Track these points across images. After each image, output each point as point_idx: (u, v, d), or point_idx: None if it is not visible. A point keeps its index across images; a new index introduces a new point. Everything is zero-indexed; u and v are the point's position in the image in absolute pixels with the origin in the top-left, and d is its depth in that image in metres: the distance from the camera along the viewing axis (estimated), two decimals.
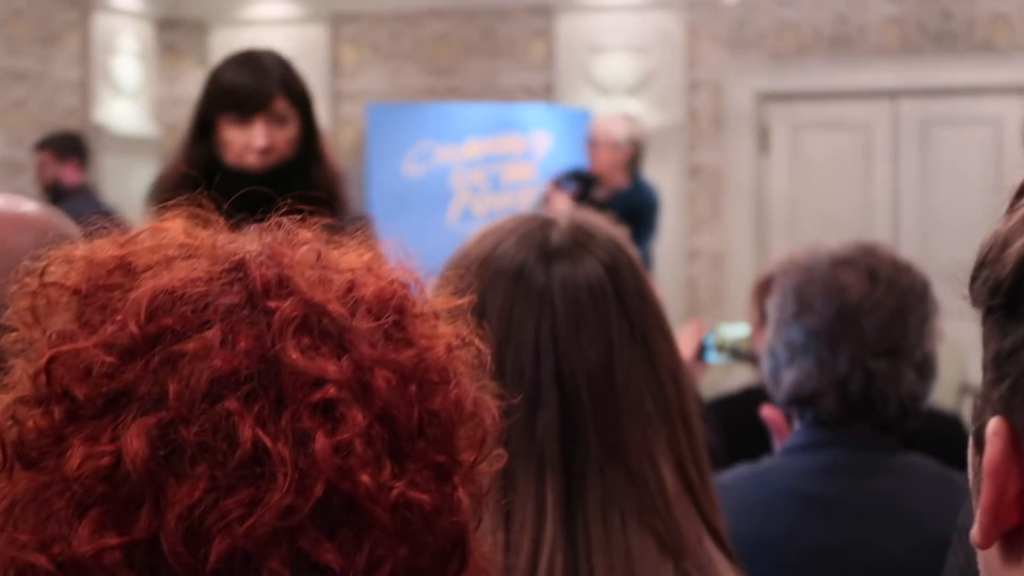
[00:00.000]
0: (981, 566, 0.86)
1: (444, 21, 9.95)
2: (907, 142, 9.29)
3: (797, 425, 2.50)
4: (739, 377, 5.83)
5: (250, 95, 3.42)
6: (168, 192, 3.17)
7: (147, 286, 0.88)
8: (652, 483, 1.54)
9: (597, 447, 1.53)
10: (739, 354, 3.49)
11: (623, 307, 1.59)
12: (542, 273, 1.58)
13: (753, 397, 3.49)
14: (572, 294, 1.57)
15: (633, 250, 1.66)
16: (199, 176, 3.20)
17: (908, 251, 8.96)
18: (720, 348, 3.48)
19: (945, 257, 8.97)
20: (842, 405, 2.41)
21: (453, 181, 9.13)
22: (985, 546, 0.82)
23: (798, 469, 2.44)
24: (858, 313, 2.40)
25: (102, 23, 9.78)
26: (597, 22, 9.68)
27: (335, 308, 0.89)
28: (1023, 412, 0.81)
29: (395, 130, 9.19)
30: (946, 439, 3.00)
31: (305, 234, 0.94)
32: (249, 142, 3.38)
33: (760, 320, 3.16)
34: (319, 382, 0.86)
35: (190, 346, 0.86)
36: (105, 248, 0.92)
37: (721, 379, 7.02)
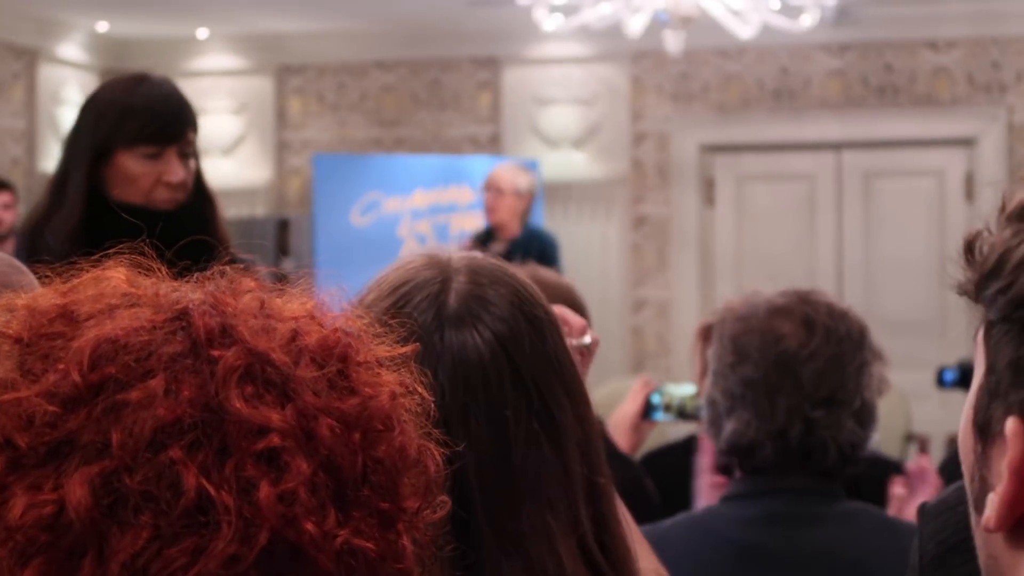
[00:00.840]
0: (982, 550, 0.94)
1: (390, 73, 9.98)
2: (850, 193, 9.37)
3: (737, 473, 2.49)
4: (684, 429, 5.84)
5: (167, 124, 3.07)
6: (68, 240, 2.90)
7: (90, 335, 0.88)
8: (552, 572, 1.44)
9: (491, 540, 1.43)
10: (686, 413, 3.50)
11: (519, 380, 1.47)
12: (433, 352, 1.46)
13: (695, 446, 3.51)
14: (462, 374, 1.45)
15: (538, 297, 1.55)
16: (88, 217, 2.99)
17: (851, 300, 8.98)
18: (667, 407, 3.48)
19: (889, 307, 9.04)
20: (781, 455, 2.40)
21: (401, 231, 9.15)
22: (998, 530, 0.90)
23: (737, 518, 2.43)
24: (795, 362, 2.39)
25: (47, 74, 9.76)
26: (543, 74, 9.73)
27: (279, 357, 0.89)
28: None
29: (342, 181, 9.20)
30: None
31: (248, 282, 0.93)
32: (162, 176, 3.02)
33: (703, 368, 3.17)
34: (263, 431, 0.86)
35: (133, 395, 0.86)
36: (47, 297, 0.92)
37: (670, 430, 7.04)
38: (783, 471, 2.42)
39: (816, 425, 2.39)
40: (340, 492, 0.87)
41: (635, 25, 7.36)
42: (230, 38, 10.11)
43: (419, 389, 0.96)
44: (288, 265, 9.69)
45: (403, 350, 0.98)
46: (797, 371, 2.39)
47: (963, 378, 4.12)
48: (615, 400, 7.84)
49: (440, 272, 1.52)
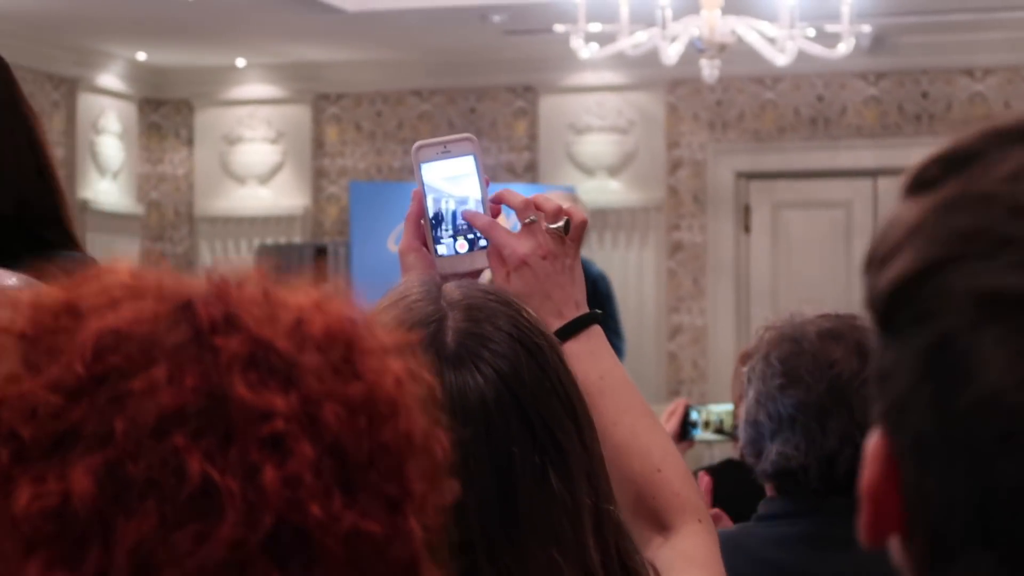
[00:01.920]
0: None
1: (426, 101, 10.02)
2: None
3: (772, 492, 2.47)
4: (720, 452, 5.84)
5: None
6: None
7: (93, 326, 0.88)
8: None
9: None
10: (724, 431, 3.48)
11: (524, 416, 1.44)
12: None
13: (733, 470, 3.49)
14: (462, 416, 1.40)
15: (535, 323, 1.51)
16: None
17: None
18: (706, 424, 3.47)
19: None
20: (825, 480, 2.38)
21: None
22: (872, 546, 0.83)
23: (772, 538, 2.41)
24: (848, 388, 2.35)
25: (87, 103, 9.84)
26: (579, 102, 9.75)
27: (282, 344, 0.89)
28: (900, 436, 0.80)
29: (379, 208, 9.23)
30: None
31: (253, 273, 0.93)
32: None
33: (742, 392, 3.16)
34: (267, 416, 0.86)
35: (136, 384, 0.86)
36: (51, 292, 0.92)
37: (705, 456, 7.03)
38: (826, 495, 2.39)
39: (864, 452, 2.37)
40: (346, 476, 0.87)
41: (671, 53, 7.38)
42: (268, 67, 10.17)
43: (425, 375, 0.96)
44: None
45: (410, 337, 0.98)
46: (850, 397, 2.35)
47: None
48: None
49: (436, 309, 1.49)
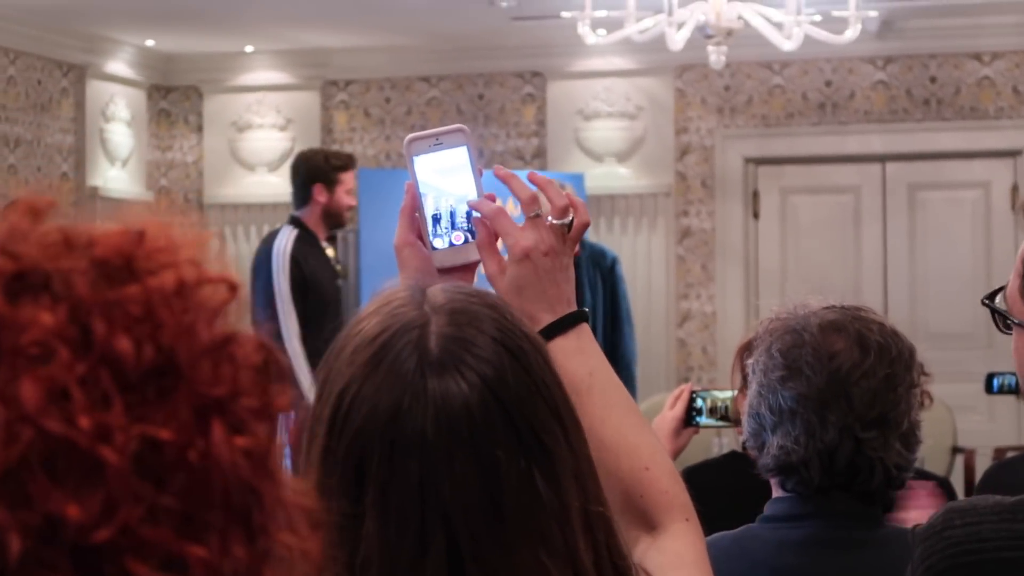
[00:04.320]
0: None
1: (435, 87, 10.02)
2: (895, 206, 9.35)
3: (777, 491, 2.47)
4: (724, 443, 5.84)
5: None
6: None
7: None
8: None
9: None
10: (728, 417, 3.48)
11: (509, 420, 1.43)
12: (419, 401, 1.43)
13: (735, 463, 3.48)
14: (446, 422, 1.42)
15: (520, 325, 1.51)
16: None
17: (897, 313, 8.99)
18: (712, 411, 3.46)
19: (934, 319, 9.01)
20: (827, 474, 2.37)
21: None
22: None
23: (776, 541, 2.40)
24: (849, 381, 2.34)
25: (96, 89, 9.85)
26: (587, 88, 9.75)
27: (53, 261, 0.87)
28: None
29: (387, 195, 9.23)
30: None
31: (56, 215, 0.92)
32: None
33: (743, 383, 3.15)
34: (25, 329, 0.84)
35: None
36: None
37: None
38: (826, 490, 2.39)
39: (865, 445, 2.35)
40: (123, 385, 0.85)
41: (678, 38, 7.38)
42: (276, 54, 10.18)
43: (228, 277, 0.92)
44: None
45: (207, 235, 0.94)
46: (850, 390, 2.34)
47: (1014, 385, 4.08)
48: (660, 412, 7.83)
49: (419, 315, 1.48)
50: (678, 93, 9.62)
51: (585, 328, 1.81)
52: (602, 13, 7.56)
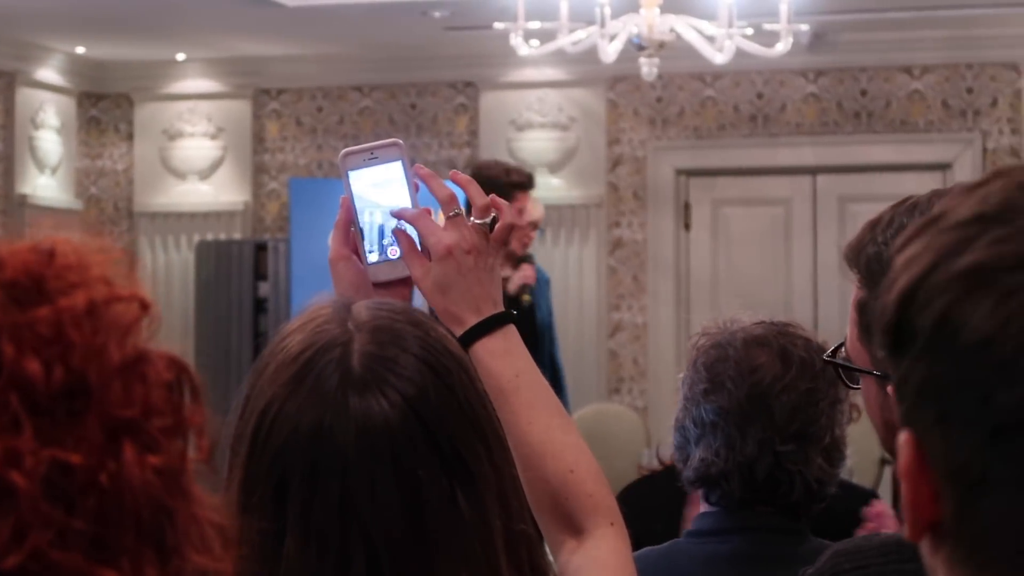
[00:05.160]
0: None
1: (367, 97, 10.00)
2: (825, 218, 9.40)
3: (703, 506, 2.47)
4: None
5: None
6: None
7: None
8: None
9: None
10: None
11: (431, 439, 1.43)
12: (340, 420, 1.42)
13: (674, 478, 3.47)
14: (367, 442, 1.41)
15: (445, 342, 1.50)
16: None
17: (827, 324, 8.99)
18: None
19: None
20: (747, 487, 2.38)
21: None
22: (915, 539, 0.93)
23: (702, 556, 2.41)
24: (769, 395, 2.36)
25: (25, 97, 9.76)
26: (520, 98, 9.76)
27: None
28: (920, 426, 0.92)
29: (319, 205, 9.20)
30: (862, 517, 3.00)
31: None
32: None
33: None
34: None
35: None
36: None
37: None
38: (748, 505, 2.40)
39: (784, 459, 2.36)
40: (33, 407, 0.84)
41: (610, 50, 7.39)
42: (208, 62, 10.12)
43: (139, 294, 0.92)
44: (265, 288, 9.70)
45: (118, 251, 0.94)
46: (770, 403, 2.36)
47: None
48: (590, 423, 7.85)
49: (342, 332, 1.47)
50: (610, 104, 9.64)
51: (512, 329, 1.81)
52: (535, 24, 7.55)
